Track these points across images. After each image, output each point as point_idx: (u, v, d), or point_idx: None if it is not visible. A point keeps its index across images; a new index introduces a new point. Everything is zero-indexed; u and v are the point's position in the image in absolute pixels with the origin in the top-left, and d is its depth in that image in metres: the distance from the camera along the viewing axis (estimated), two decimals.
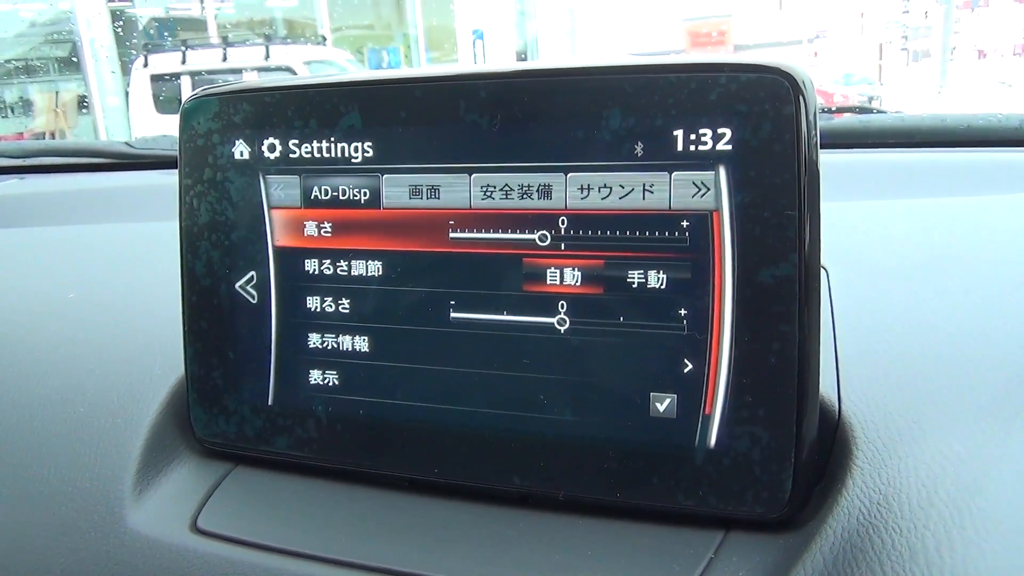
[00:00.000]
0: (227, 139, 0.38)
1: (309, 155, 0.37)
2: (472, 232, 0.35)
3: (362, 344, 0.37)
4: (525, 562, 0.32)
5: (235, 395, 0.40)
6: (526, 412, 0.35)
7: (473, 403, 0.35)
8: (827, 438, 0.33)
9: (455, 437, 0.36)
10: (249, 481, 0.40)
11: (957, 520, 0.27)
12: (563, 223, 0.33)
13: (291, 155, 0.37)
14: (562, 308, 0.34)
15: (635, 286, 0.33)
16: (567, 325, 0.34)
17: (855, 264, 0.46)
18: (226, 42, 6.49)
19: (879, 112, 0.94)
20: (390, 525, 0.35)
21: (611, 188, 0.33)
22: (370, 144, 0.36)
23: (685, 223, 0.32)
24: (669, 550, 0.32)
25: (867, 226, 0.54)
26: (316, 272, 0.38)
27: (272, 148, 0.38)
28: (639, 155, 0.32)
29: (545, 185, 0.34)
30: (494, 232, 0.34)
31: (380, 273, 0.37)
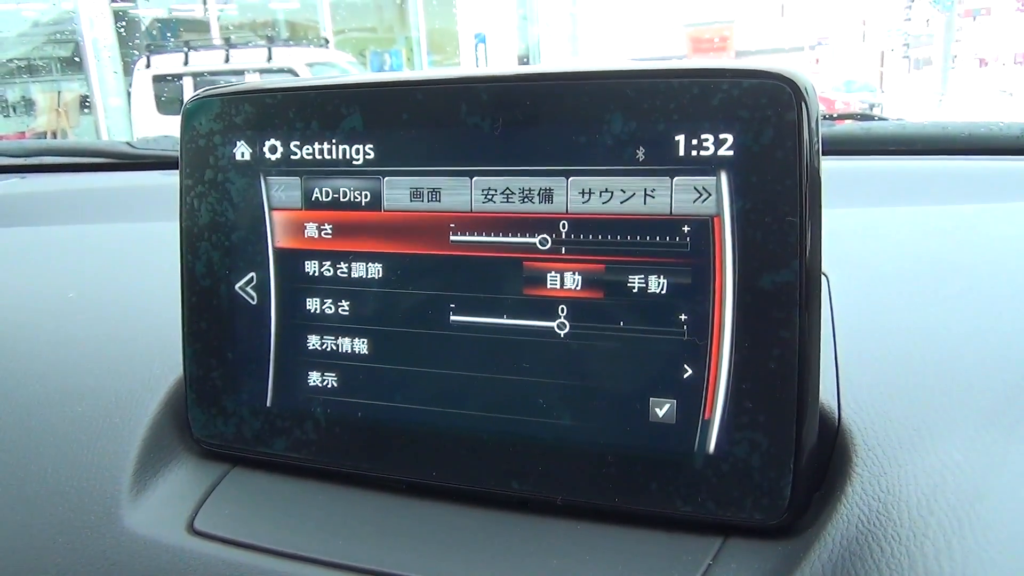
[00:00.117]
0: (228, 140, 0.38)
1: (310, 157, 0.37)
2: (473, 235, 0.35)
3: (361, 346, 0.37)
4: (523, 567, 0.32)
5: (234, 396, 0.39)
6: (525, 416, 0.35)
7: (472, 406, 0.35)
8: (827, 445, 0.33)
9: (454, 440, 0.36)
10: (247, 482, 0.39)
11: (957, 529, 0.27)
12: (564, 227, 0.33)
13: (292, 156, 0.37)
14: (562, 312, 0.34)
15: (635, 291, 0.33)
16: (567, 329, 0.34)
17: (856, 271, 0.46)
18: (228, 43, 6.50)
19: (880, 119, 0.94)
20: (387, 528, 0.35)
21: (612, 192, 0.33)
22: (371, 146, 0.36)
23: (686, 228, 0.32)
24: (667, 556, 0.32)
25: (868, 233, 0.54)
26: (316, 274, 0.37)
27: (273, 149, 0.38)
28: (641, 160, 0.32)
29: (546, 189, 0.33)
30: (495, 235, 0.34)
31: (380, 275, 0.36)
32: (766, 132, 0.30)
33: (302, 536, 0.35)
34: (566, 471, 0.34)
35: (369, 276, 0.37)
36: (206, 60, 6.16)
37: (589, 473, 0.34)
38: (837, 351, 0.37)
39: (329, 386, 0.38)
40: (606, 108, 0.32)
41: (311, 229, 0.37)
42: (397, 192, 0.36)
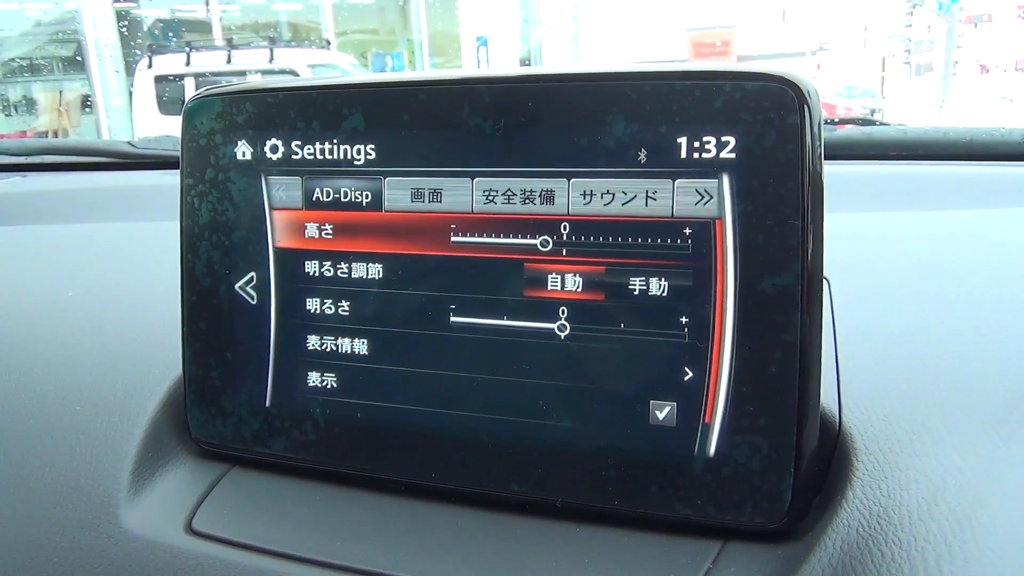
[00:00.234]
0: (229, 139, 0.38)
1: (311, 156, 0.37)
2: (474, 236, 0.35)
3: (361, 347, 0.37)
4: (521, 569, 0.32)
5: (233, 396, 0.39)
6: (525, 418, 0.34)
7: (472, 408, 0.35)
8: (827, 449, 0.33)
9: (453, 442, 0.36)
10: (245, 483, 0.39)
11: (958, 533, 0.26)
12: (565, 229, 0.33)
13: (293, 156, 0.37)
14: (563, 314, 0.34)
15: (636, 293, 0.33)
16: (567, 331, 0.34)
17: (857, 275, 0.45)
18: (230, 44, 6.51)
19: (882, 124, 0.94)
20: (386, 529, 0.35)
21: (614, 194, 0.32)
22: (373, 146, 0.36)
23: (687, 231, 0.32)
24: (667, 559, 0.32)
25: (869, 238, 0.54)
26: (316, 274, 0.37)
27: (274, 149, 0.37)
28: (642, 162, 0.32)
29: (547, 190, 0.33)
30: (496, 237, 0.34)
31: (381, 276, 0.36)
32: (768, 135, 0.30)
33: (300, 537, 0.35)
34: (566, 473, 0.34)
35: (369, 276, 0.37)
36: (208, 61, 6.17)
37: (589, 475, 0.34)
38: (838, 355, 0.37)
39: (329, 386, 0.38)
40: (608, 110, 0.32)
41: (312, 229, 0.37)
42: (398, 192, 0.36)
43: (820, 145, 0.30)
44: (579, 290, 0.33)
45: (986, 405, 0.33)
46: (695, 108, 0.31)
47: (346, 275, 0.37)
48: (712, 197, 0.31)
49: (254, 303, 0.38)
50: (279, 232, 0.38)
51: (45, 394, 0.42)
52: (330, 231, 0.37)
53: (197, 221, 0.39)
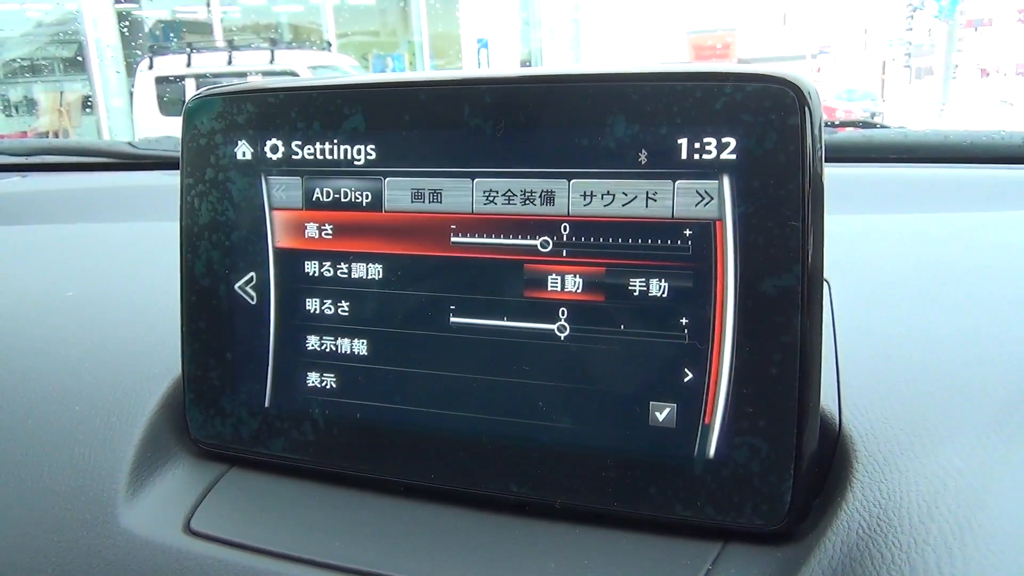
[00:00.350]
0: (230, 139, 0.38)
1: (311, 157, 0.37)
2: (474, 237, 0.35)
3: (361, 347, 0.37)
4: (521, 570, 0.32)
5: (232, 396, 0.39)
6: (524, 419, 0.34)
7: (471, 409, 0.35)
8: (827, 450, 0.33)
9: (452, 443, 0.36)
10: (244, 483, 0.39)
11: (958, 536, 0.26)
12: (565, 229, 0.33)
13: (293, 156, 0.37)
14: (562, 315, 0.34)
15: (636, 294, 0.33)
16: (567, 332, 0.34)
17: (857, 277, 0.45)
18: (231, 46, 6.51)
19: (882, 127, 0.94)
20: (385, 530, 0.35)
21: (614, 195, 0.32)
22: (373, 147, 0.36)
23: (688, 232, 0.32)
24: (666, 561, 0.32)
25: (869, 240, 0.54)
26: (316, 274, 0.37)
27: (275, 149, 0.37)
28: (643, 163, 0.32)
29: (548, 191, 0.33)
30: (496, 237, 0.34)
31: (380, 276, 0.36)
32: (769, 136, 0.30)
33: (299, 537, 0.35)
34: (565, 474, 0.34)
35: (369, 277, 0.37)
36: (209, 62, 6.17)
37: (588, 477, 0.34)
38: (838, 357, 0.37)
39: (328, 387, 0.38)
40: (609, 111, 0.32)
41: (311, 229, 0.37)
42: (398, 193, 0.36)
43: (821, 146, 0.30)
44: (579, 291, 0.33)
45: (986, 407, 0.33)
46: (696, 109, 0.31)
47: (346, 275, 0.37)
48: (712, 198, 0.31)
49: (254, 303, 0.38)
50: (279, 232, 0.38)
51: (44, 394, 0.42)
52: (330, 231, 0.37)
53: (197, 221, 0.39)
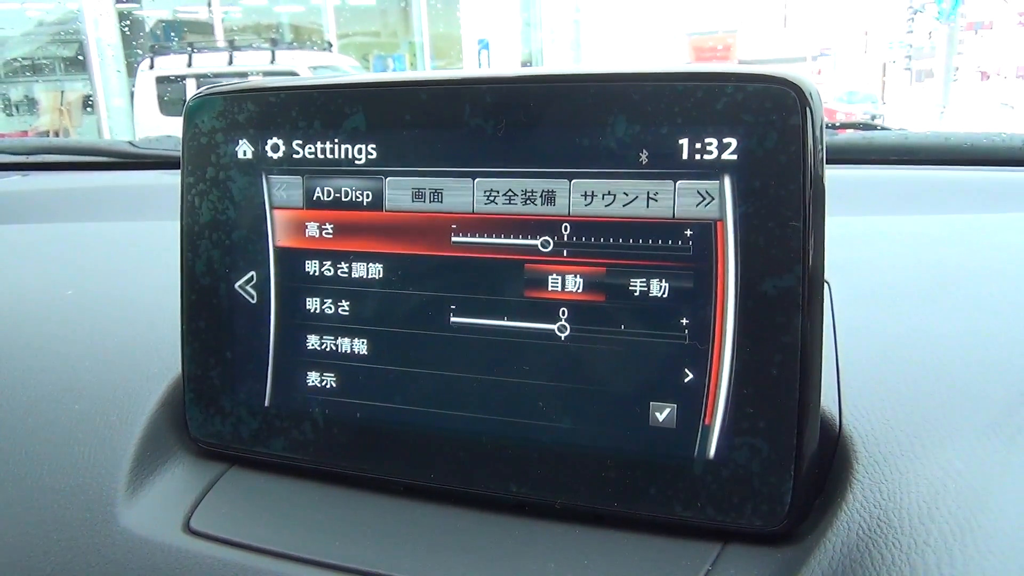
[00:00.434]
0: (230, 138, 0.38)
1: (312, 156, 0.37)
2: (474, 237, 0.35)
3: (361, 347, 0.37)
4: (520, 570, 0.32)
5: (232, 395, 0.39)
6: (525, 419, 0.34)
7: (471, 408, 0.35)
8: (827, 451, 0.33)
9: (452, 442, 0.36)
10: (244, 482, 0.39)
11: (958, 537, 0.26)
12: (566, 230, 0.33)
13: (294, 155, 0.37)
14: (563, 315, 0.34)
15: (637, 294, 0.33)
16: (568, 332, 0.34)
17: (857, 278, 0.45)
18: (232, 46, 6.51)
19: (883, 129, 0.94)
20: (384, 530, 0.35)
21: (615, 195, 0.32)
22: (374, 146, 0.36)
23: (688, 232, 0.32)
24: (666, 561, 0.32)
25: (869, 241, 0.54)
26: (316, 273, 0.37)
27: (275, 148, 0.37)
28: (644, 163, 0.32)
29: (548, 191, 0.33)
30: (496, 237, 0.34)
31: (381, 276, 0.36)
32: (770, 136, 0.30)
33: (298, 537, 0.35)
34: (565, 474, 0.34)
35: (370, 276, 0.37)
36: (209, 62, 6.17)
37: (588, 477, 0.34)
38: (838, 357, 0.37)
39: (328, 386, 0.38)
40: (610, 111, 0.32)
41: (312, 228, 0.37)
42: (399, 192, 0.36)
43: (822, 147, 0.30)
44: (580, 291, 0.33)
45: (986, 408, 0.33)
46: (697, 109, 0.31)
47: (346, 275, 0.37)
48: (713, 199, 0.31)
49: (254, 302, 0.38)
50: (279, 231, 0.38)
51: (44, 392, 0.42)
52: (331, 231, 0.37)
53: (197, 220, 0.39)
